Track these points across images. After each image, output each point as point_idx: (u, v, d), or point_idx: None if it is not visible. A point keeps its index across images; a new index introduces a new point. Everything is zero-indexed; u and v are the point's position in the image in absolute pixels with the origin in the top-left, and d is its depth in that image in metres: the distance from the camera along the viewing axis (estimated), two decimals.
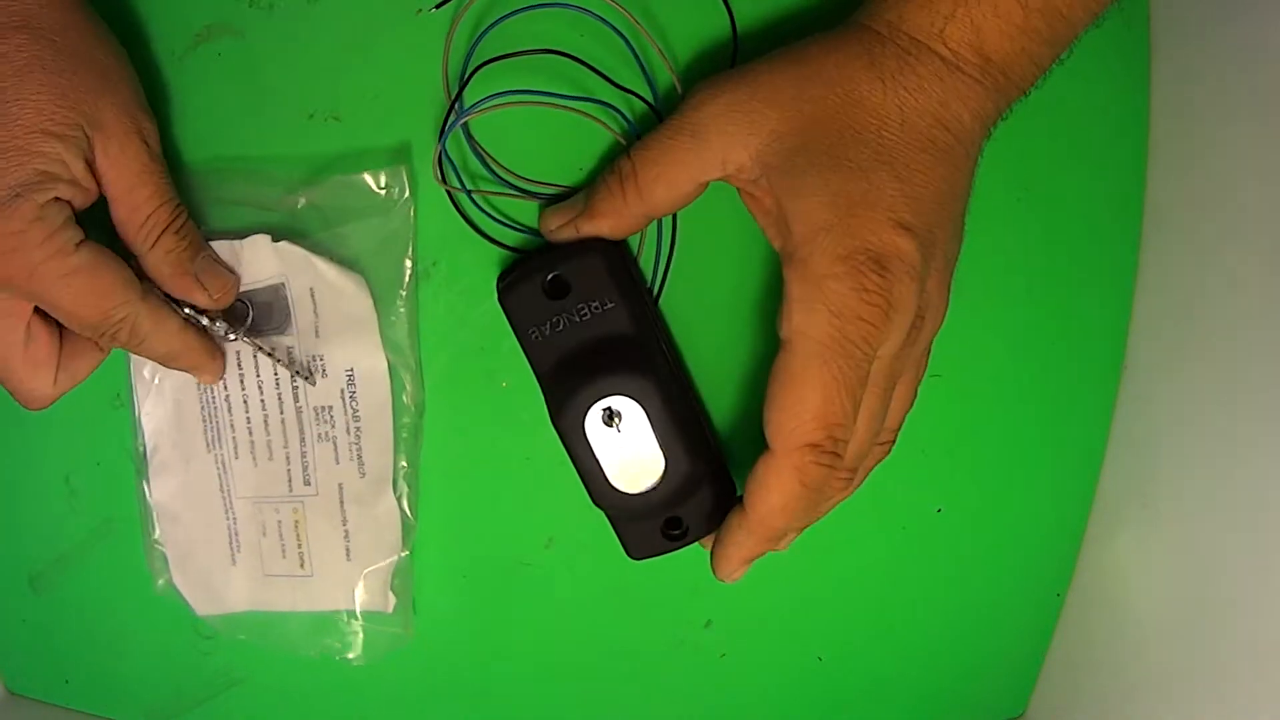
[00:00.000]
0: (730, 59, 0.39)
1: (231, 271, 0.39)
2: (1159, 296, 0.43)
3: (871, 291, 0.31)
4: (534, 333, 0.38)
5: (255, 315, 0.41)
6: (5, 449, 0.45)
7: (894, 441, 0.38)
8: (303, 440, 0.42)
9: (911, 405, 0.37)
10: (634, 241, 0.41)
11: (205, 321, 0.39)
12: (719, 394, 0.43)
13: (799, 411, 0.32)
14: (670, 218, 0.40)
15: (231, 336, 0.40)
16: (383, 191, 0.40)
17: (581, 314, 0.38)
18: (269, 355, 0.40)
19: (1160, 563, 0.42)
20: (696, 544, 0.40)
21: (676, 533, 0.40)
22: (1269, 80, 0.37)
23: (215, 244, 0.40)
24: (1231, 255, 0.39)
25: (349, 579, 0.43)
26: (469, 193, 0.40)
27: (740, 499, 0.36)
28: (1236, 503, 0.38)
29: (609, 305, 0.37)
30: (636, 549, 0.40)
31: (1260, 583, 0.36)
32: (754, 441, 0.43)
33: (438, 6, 0.39)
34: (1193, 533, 0.40)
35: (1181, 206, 0.42)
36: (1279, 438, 0.36)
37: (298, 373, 0.41)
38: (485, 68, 0.38)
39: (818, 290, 0.32)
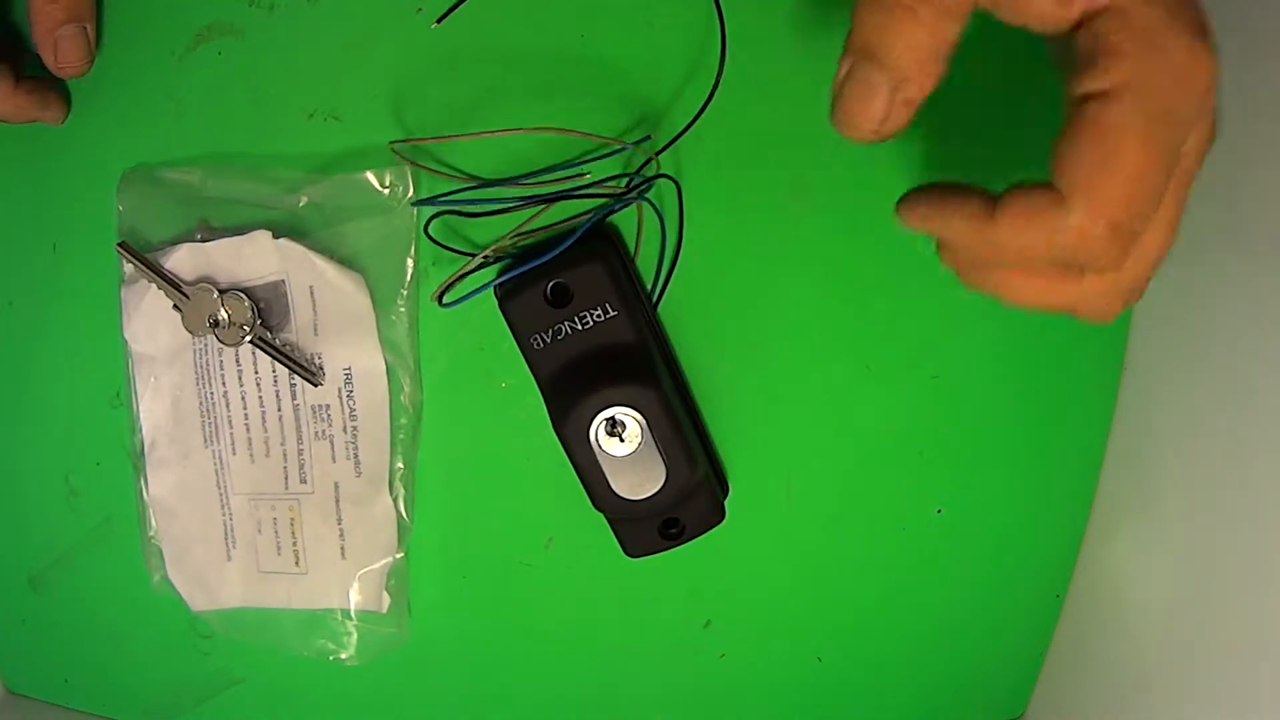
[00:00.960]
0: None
1: (90, 56, 0.39)
2: (1159, 297, 0.43)
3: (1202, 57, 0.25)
4: (536, 340, 0.38)
5: (258, 313, 0.41)
6: (5, 449, 0.45)
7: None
8: (300, 438, 0.42)
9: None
10: (631, 246, 0.41)
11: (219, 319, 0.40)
12: (714, 395, 0.43)
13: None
14: (676, 224, 0.40)
15: (244, 338, 0.40)
16: (386, 190, 0.40)
17: (583, 322, 0.38)
18: (276, 355, 0.40)
19: (1159, 563, 0.41)
20: (695, 543, 0.41)
21: (673, 531, 0.41)
22: (1268, 81, 0.37)
23: (216, 242, 0.40)
24: (1231, 255, 0.39)
25: (343, 578, 0.43)
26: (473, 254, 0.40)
27: None
28: (1236, 503, 0.38)
29: (611, 313, 0.38)
30: (634, 548, 0.41)
31: (1259, 583, 0.36)
32: (748, 441, 0.43)
33: (439, 21, 0.39)
34: (1192, 533, 0.40)
35: None
36: (1278, 439, 0.36)
37: (307, 375, 0.41)
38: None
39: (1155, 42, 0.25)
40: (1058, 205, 0.26)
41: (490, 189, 0.40)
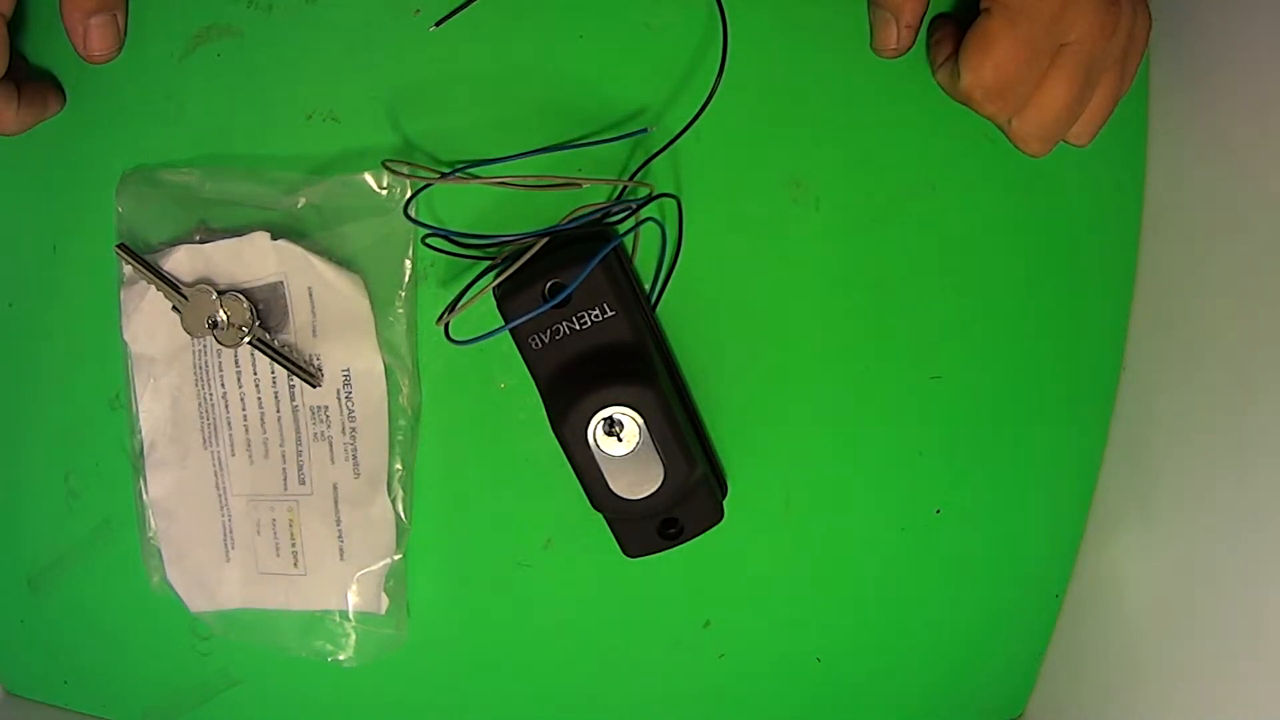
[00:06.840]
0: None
1: (120, 44, 0.39)
2: (1159, 296, 0.43)
3: None
4: (534, 340, 0.38)
5: (257, 314, 0.41)
6: (5, 449, 0.45)
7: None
8: (299, 439, 0.42)
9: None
10: (629, 246, 0.41)
11: (216, 318, 0.40)
12: (713, 394, 0.43)
13: None
14: (676, 227, 0.40)
15: (243, 339, 0.40)
16: (383, 191, 0.40)
17: (581, 322, 0.38)
18: (275, 356, 0.40)
19: (1158, 563, 0.41)
20: (694, 543, 0.40)
21: (672, 531, 0.41)
22: (1268, 80, 0.37)
23: (215, 243, 0.40)
24: (1231, 255, 0.39)
25: (342, 579, 0.43)
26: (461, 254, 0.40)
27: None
28: (1234, 504, 0.38)
29: (609, 313, 0.38)
30: (633, 548, 0.41)
31: (1257, 584, 0.36)
32: (747, 441, 0.43)
33: (438, 24, 0.39)
34: (1190, 534, 0.40)
35: (1181, 206, 0.42)
36: (1277, 439, 0.36)
37: (305, 377, 0.41)
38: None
39: None
40: (959, 73, 0.37)
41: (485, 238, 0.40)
